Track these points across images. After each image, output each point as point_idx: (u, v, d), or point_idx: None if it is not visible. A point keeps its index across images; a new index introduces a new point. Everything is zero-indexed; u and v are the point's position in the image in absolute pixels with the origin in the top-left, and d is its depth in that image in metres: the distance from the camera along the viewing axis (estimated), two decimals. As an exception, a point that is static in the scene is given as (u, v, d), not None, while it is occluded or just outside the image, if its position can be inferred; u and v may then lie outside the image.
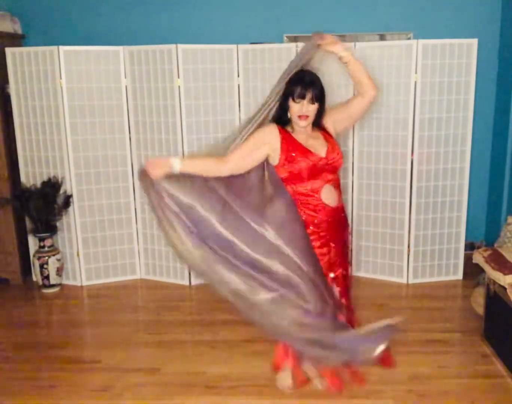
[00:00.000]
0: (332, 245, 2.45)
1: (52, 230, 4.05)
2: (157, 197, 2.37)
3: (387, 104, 3.87)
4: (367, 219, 4.13)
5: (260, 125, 2.48)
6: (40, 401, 2.74)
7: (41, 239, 4.04)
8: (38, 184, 4.02)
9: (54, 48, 3.85)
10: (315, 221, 2.41)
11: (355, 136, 4.00)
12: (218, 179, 2.42)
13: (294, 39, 4.19)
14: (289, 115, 2.39)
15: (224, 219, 2.38)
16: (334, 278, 2.49)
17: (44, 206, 3.91)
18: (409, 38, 4.17)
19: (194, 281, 4.13)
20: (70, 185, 4.05)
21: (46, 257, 4.03)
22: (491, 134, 4.34)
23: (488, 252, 3.15)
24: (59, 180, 4.01)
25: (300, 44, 3.85)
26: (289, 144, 2.38)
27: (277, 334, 2.50)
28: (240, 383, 2.82)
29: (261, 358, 2.93)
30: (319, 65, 2.49)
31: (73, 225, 4.13)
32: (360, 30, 4.23)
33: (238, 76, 3.98)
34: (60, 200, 3.99)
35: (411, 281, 4.10)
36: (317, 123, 2.44)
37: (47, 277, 4.06)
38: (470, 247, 4.22)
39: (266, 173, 2.49)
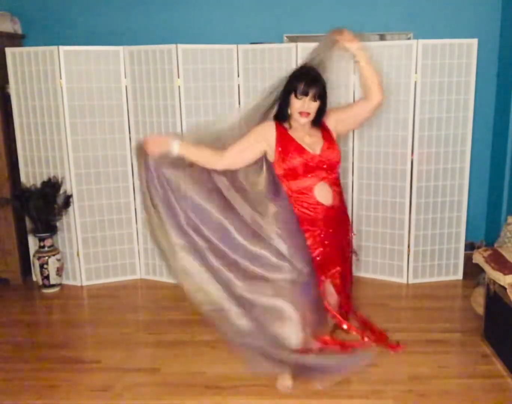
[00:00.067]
0: (327, 243, 2.44)
1: (52, 230, 4.05)
2: (148, 174, 2.38)
3: (387, 104, 3.85)
4: (367, 219, 4.13)
5: (260, 121, 2.48)
6: (40, 401, 2.73)
7: (41, 239, 4.04)
8: (38, 184, 4.02)
9: (54, 48, 3.85)
10: (309, 219, 2.40)
11: (355, 136, 4.00)
12: (216, 171, 2.44)
13: (294, 39, 4.19)
14: (289, 110, 2.39)
15: (212, 206, 2.41)
16: (329, 276, 2.48)
17: (44, 206, 3.91)
18: (409, 38, 4.17)
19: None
20: (70, 185, 4.05)
21: (46, 257, 4.03)
22: (491, 134, 4.34)
23: (488, 252, 3.15)
24: (59, 180, 4.01)
25: (300, 44, 3.86)
26: (284, 141, 2.38)
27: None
28: (240, 383, 2.82)
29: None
30: (329, 62, 2.47)
31: (73, 225, 4.13)
32: (360, 30, 4.20)
33: (238, 76, 3.98)
34: (60, 200, 3.98)
35: (411, 281, 4.10)
36: (317, 121, 2.43)
37: (47, 277, 4.06)
38: (470, 247, 4.22)
39: (264, 169, 2.50)
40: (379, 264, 4.17)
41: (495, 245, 3.48)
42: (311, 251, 2.41)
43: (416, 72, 3.78)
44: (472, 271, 3.91)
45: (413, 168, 3.92)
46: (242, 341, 2.43)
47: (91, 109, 4.00)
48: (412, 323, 3.48)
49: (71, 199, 4.03)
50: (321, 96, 2.35)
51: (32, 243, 4.21)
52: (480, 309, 3.31)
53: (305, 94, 2.31)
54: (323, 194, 2.40)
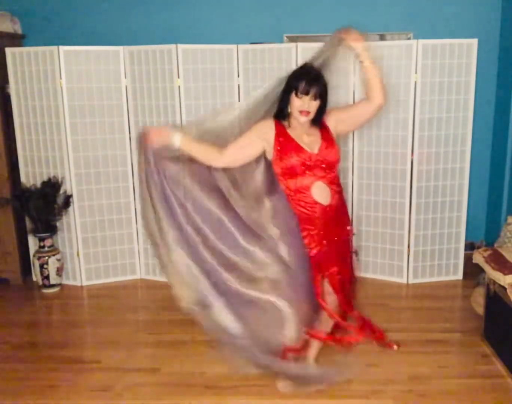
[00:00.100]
0: (324, 242, 2.43)
1: (52, 230, 4.05)
2: (147, 165, 2.39)
3: (387, 104, 3.85)
4: (367, 219, 4.13)
5: (260, 119, 2.49)
6: (40, 401, 2.73)
7: (41, 239, 4.04)
8: (38, 184, 4.02)
9: (54, 48, 3.85)
10: (307, 218, 2.40)
11: (355, 136, 4.00)
12: (214, 168, 2.46)
13: (294, 39, 4.19)
14: (289, 109, 2.39)
15: (209, 201, 2.43)
16: (326, 275, 2.48)
17: (44, 206, 3.91)
18: (409, 38, 4.17)
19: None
20: (70, 185, 4.05)
21: (46, 257, 4.03)
22: (491, 134, 4.34)
23: (488, 252, 3.15)
24: (59, 180, 4.01)
25: (300, 44, 3.86)
26: (282, 139, 2.39)
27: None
28: (240, 383, 2.82)
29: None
30: (332, 62, 2.47)
31: (73, 225, 4.13)
32: (360, 30, 4.20)
33: (238, 76, 3.98)
34: (60, 200, 3.98)
35: (411, 281, 4.10)
36: (317, 120, 2.42)
37: (47, 277, 4.06)
38: (470, 247, 4.22)
39: (263, 167, 2.51)
40: (379, 264, 4.17)
41: (495, 245, 3.48)
42: (308, 250, 2.41)
43: (416, 72, 3.79)
44: (472, 271, 3.91)
45: (413, 168, 3.92)
46: (228, 340, 2.41)
47: (91, 109, 4.00)
48: (412, 323, 3.48)
49: (71, 199, 4.03)
50: (322, 96, 2.35)
51: (32, 243, 4.21)
52: (480, 309, 3.31)
53: (306, 93, 2.31)
54: (320, 193, 2.40)
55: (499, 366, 2.93)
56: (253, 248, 2.40)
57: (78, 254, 4.18)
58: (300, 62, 2.63)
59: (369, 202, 4.09)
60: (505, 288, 2.85)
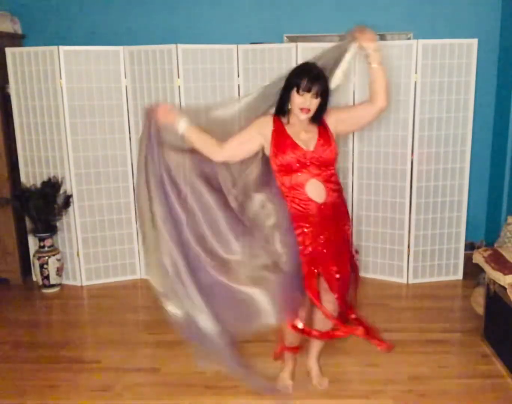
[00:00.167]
0: (319, 240, 2.42)
1: (52, 230, 4.06)
2: (148, 142, 2.39)
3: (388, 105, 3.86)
4: (367, 219, 4.13)
5: (260, 114, 2.50)
6: (40, 401, 2.73)
7: (41, 239, 4.04)
8: (38, 184, 4.02)
9: (54, 48, 3.85)
10: (301, 215, 2.40)
11: (355, 136, 4.00)
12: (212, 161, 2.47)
13: (294, 39, 4.19)
14: (289, 105, 2.39)
15: (203, 188, 2.44)
16: (323, 275, 2.47)
17: (44, 206, 3.91)
18: (409, 38, 4.17)
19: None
20: (70, 185, 4.05)
21: (46, 257, 4.03)
22: (491, 134, 4.34)
23: (488, 252, 3.15)
24: (59, 180, 4.01)
25: (300, 44, 3.86)
26: (279, 136, 2.39)
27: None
28: (240, 383, 2.80)
29: (261, 359, 2.92)
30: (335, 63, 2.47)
31: (73, 225, 4.13)
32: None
33: (238, 76, 3.98)
34: (60, 200, 3.99)
35: (411, 281, 4.10)
36: (317, 118, 2.42)
37: (47, 277, 4.06)
38: (470, 247, 4.22)
39: (262, 163, 2.52)
40: (379, 264, 4.17)
41: (495, 245, 3.48)
42: (302, 247, 2.41)
43: (416, 72, 3.79)
44: (472, 271, 3.91)
45: (413, 168, 3.92)
46: (195, 328, 2.37)
47: (91, 109, 4.00)
48: (412, 323, 3.48)
49: (71, 199, 4.04)
50: (323, 94, 2.35)
51: (32, 243, 4.21)
52: (480, 309, 3.31)
53: (308, 90, 2.30)
54: (315, 190, 2.39)
55: (499, 366, 2.93)
56: (241, 240, 2.41)
57: (78, 254, 4.18)
58: (300, 62, 2.63)
59: (369, 202, 4.09)
60: (505, 288, 2.85)
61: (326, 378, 2.80)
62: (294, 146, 2.37)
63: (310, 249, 2.41)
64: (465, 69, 3.82)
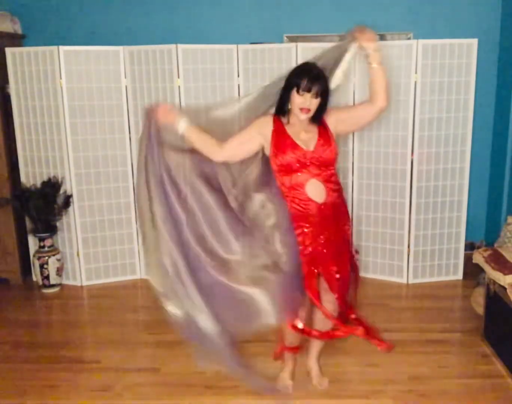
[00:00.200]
0: (320, 241, 2.42)
1: (52, 230, 4.06)
2: (148, 142, 2.39)
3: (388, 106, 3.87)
4: (367, 219, 4.13)
5: (260, 114, 2.50)
6: (40, 401, 2.73)
7: (41, 239, 4.04)
8: (38, 184, 4.02)
9: (54, 48, 3.85)
10: (301, 215, 2.40)
11: (355, 137, 4.00)
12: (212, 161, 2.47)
13: (294, 39, 4.19)
14: (289, 105, 2.39)
15: (202, 188, 2.44)
16: (323, 275, 2.47)
17: (44, 206, 3.91)
18: (409, 38, 4.17)
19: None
20: (70, 185, 4.05)
21: (46, 257, 4.03)
22: (491, 134, 4.34)
23: (488, 252, 3.15)
24: (59, 180, 4.01)
25: (300, 44, 3.86)
26: (279, 136, 2.39)
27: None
28: (240, 383, 2.81)
29: (261, 359, 2.92)
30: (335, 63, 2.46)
31: (73, 225, 4.13)
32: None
33: (238, 76, 3.98)
34: (60, 200, 3.99)
35: (411, 281, 4.10)
36: (317, 118, 2.42)
37: (47, 277, 4.06)
38: (470, 247, 4.22)
39: (262, 163, 2.52)
40: (379, 264, 4.17)
41: (495, 245, 3.48)
42: (302, 247, 2.41)
43: (416, 72, 3.79)
44: (472, 271, 3.91)
45: (413, 168, 3.92)
46: (194, 327, 2.37)
47: (91, 109, 4.00)
48: (412, 323, 3.48)
49: (71, 199, 4.04)
50: (323, 94, 2.35)
51: (32, 243, 4.21)
52: (480, 309, 3.31)
53: (308, 90, 2.30)
54: (315, 190, 2.39)
55: (499, 366, 2.93)
56: (241, 240, 2.41)
57: (78, 254, 4.18)
58: (300, 62, 2.63)
59: (369, 202, 4.09)
60: (505, 288, 2.85)
61: (326, 378, 2.81)
62: (294, 146, 2.37)
63: (310, 249, 2.41)
64: (465, 69, 3.82)
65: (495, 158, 4.31)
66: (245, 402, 2.69)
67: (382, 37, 4.26)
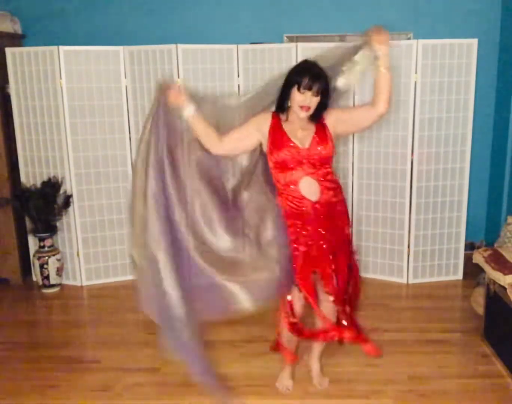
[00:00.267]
0: (312, 239, 2.42)
1: (52, 230, 4.06)
2: (156, 118, 2.38)
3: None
4: (367, 219, 4.13)
5: (260, 111, 2.50)
6: (40, 401, 2.73)
7: (41, 239, 4.04)
8: (38, 184, 4.02)
9: (54, 48, 3.85)
10: (295, 212, 2.41)
11: (355, 137, 3.99)
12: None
13: (294, 39, 4.19)
14: (288, 103, 2.39)
15: (197, 174, 2.45)
16: (319, 274, 2.47)
17: (44, 206, 3.91)
18: (409, 38, 4.17)
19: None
20: (70, 185, 4.05)
21: (46, 257, 4.03)
22: (491, 134, 4.34)
23: (488, 252, 3.15)
24: (59, 180, 4.01)
25: (300, 44, 3.86)
26: (275, 133, 2.40)
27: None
28: (240, 383, 2.82)
29: (261, 358, 2.93)
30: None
31: (73, 225, 4.13)
32: (360, 30, 4.21)
33: (238, 76, 3.98)
34: (60, 200, 3.99)
35: (411, 281, 4.10)
36: (316, 116, 2.42)
37: (47, 277, 4.06)
38: (470, 247, 4.22)
39: (260, 159, 2.54)
40: (379, 264, 4.17)
41: (495, 245, 3.48)
42: (296, 245, 2.42)
43: (416, 72, 3.79)
44: (472, 271, 3.91)
45: (413, 168, 3.92)
46: (160, 307, 2.39)
47: (91, 109, 4.00)
48: (412, 323, 3.48)
49: (71, 199, 4.04)
50: (323, 92, 2.35)
51: (32, 243, 4.21)
52: (480, 309, 3.31)
53: (309, 88, 2.30)
54: (309, 188, 2.39)
55: (499, 366, 2.93)
56: (230, 228, 2.43)
57: (78, 254, 4.18)
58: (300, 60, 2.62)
59: (369, 202, 4.09)
60: (505, 288, 2.85)
61: (326, 378, 2.81)
62: (289, 143, 2.37)
63: (303, 248, 2.42)
64: (465, 69, 3.82)
65: (495, 158, 4.31)
66: (245, 402, 2.69)
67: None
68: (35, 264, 4.06)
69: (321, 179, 2.41)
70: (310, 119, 2.41)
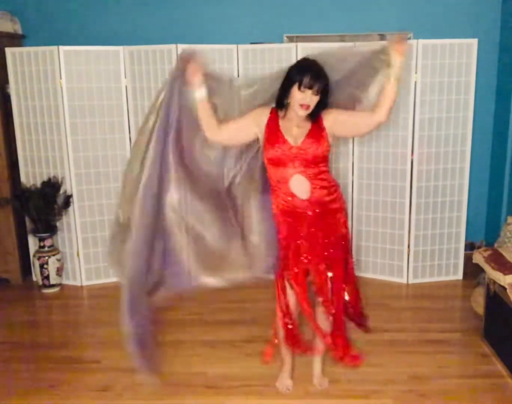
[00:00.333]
0: (301, 236, 2.44)
1: (52, 230, 4.06)
2: (170, 92, 2.38)
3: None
4: (367, 219, 4.13)
5: (261, 105, 2.50)
6: (40, 401, 2.74)
7: (41, 239, 4.04)
8: (38, 184, 4.02)
9: (54, 48, 3.85)
10: (286, 210, 2.43)
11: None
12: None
13: (294, 39, 4.19)
14: (288, 100, 2.38)
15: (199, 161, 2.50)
16: (311, 272, 2.48)
17: (44, 206, 3.91)
18: (409, 38, 4.16)
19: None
20: (70, 185, 4.05)
21: (46, 257, 4.03)
22: (491, 134, 4.34)
23: (488, 252, 3.15)
24: (59, 180, 4.01)
25: (300, 44, 3.86)
26: (270, 129, 2.40)
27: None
28: (240, 383, 2.82)
29: (261, 358, 2.92)
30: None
31: (73, 225, 4.13)
32: (360, 30, 4.23)
33: (238, 76, 3.98)
34: (60, 200, 3.99)
35: (411, 281, 4.10)
36: (314, 115, 2.41)
37: (47, 277, 4.06)
38: (470, 247, 4.22)
39: (257, 155, 2.55)
40: (379, 264, 4.17)
41: (495, 245, 3.48)
42: (286, 242, 2.44)
43: (416, 72, 3.79)
44: (472, 271, 3.91)
45: (413, 168, 3.92)
46: (124, 269, 2.39)
47: (91, 109, 4.00)
48: (412, 323, 3.48)
49: (71, 199, 4.04)
50: (323, 91, 2.34)
51: (32, 243, 4.21)
52: (480, 309, 3.31)
53: (310, 87, 2.30)
54: (299, 186, 2.40)
55: (499, 366, 2.93)
56: (219, 205, 2.50)
57: (78, 254, 4.18)
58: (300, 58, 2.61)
59: (369, 202, 4.09)
60: (505, 288, 2.85)
61: (326, 378, 2.81)
62: (283, 140, 2.38)
63: (294, 244, 2.44)
64: (465, 69, 3.82)
65: (495, 158, 4.31)
66: (245, 402, 2.69)
67: (382, 37, 4.27)
68: (35, 264, 4.06)
69: (313, 177, 2.41)
70: (307, 117, 2.41)
